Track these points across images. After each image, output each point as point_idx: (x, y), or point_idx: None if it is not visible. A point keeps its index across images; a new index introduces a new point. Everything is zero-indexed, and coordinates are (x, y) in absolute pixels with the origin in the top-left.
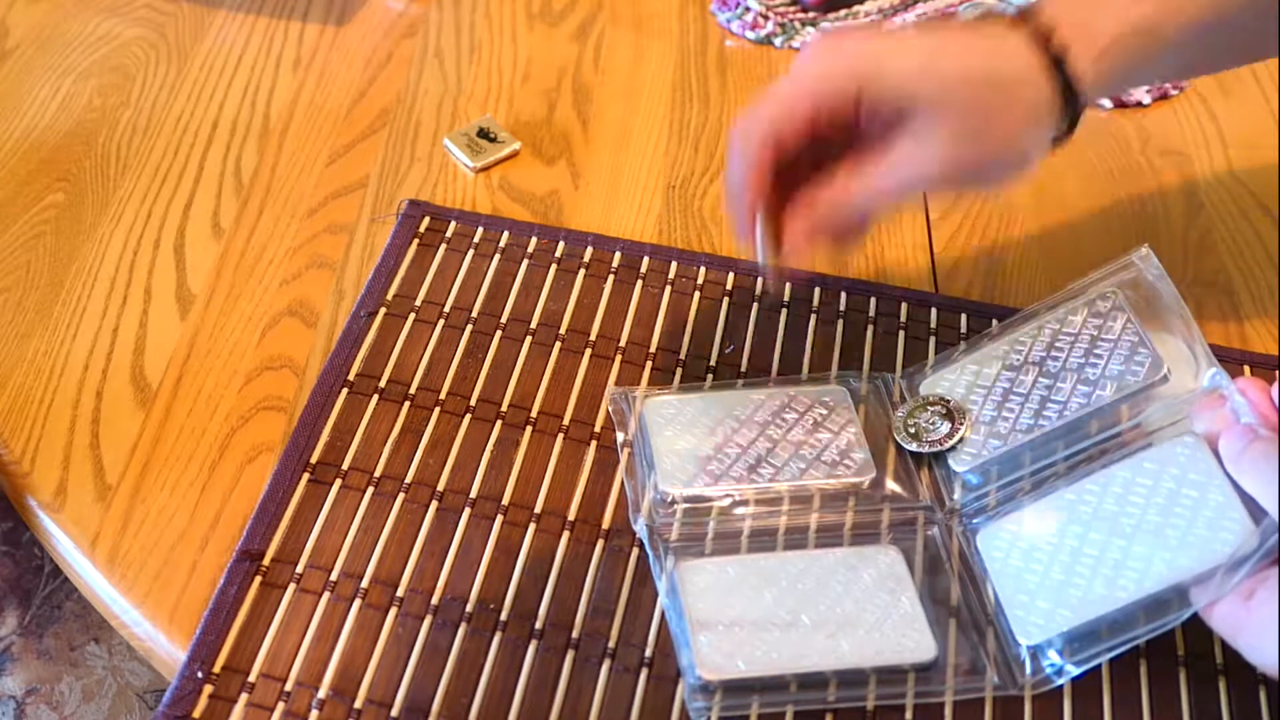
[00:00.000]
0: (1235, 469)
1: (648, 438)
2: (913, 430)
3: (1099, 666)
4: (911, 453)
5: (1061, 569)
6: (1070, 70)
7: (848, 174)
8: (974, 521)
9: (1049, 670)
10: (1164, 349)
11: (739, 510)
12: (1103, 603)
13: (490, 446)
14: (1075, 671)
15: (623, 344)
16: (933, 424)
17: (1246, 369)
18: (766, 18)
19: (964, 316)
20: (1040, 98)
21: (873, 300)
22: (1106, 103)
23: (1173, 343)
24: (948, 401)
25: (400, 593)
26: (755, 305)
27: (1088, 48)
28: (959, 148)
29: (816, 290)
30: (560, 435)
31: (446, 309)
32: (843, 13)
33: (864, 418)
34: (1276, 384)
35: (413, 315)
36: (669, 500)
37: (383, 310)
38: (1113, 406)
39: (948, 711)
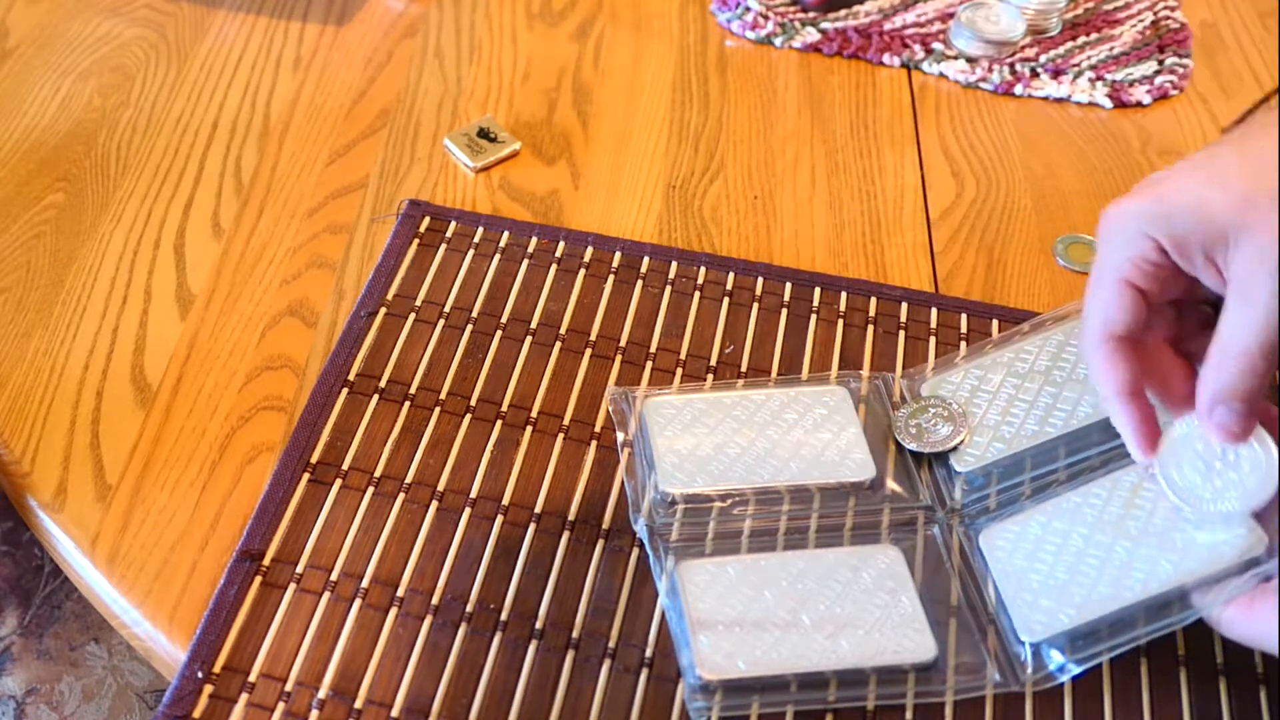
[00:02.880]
0: (1248, 621)
1: (648, 437)
2: (914, 431)
3: (1100, 665)
4: (912, 453)
5: (1065, 569)
6: None
7: (1213, 344)
8: (975, 522)
9: (1051, 668)
10: None
11: (739, 510)
12: (1106, 603)
13: (490, 446)
14: (1076, 670)
15: (623, 344)
16: (934, 425)
17: None
18: (766, 18)
19: (964, 317)
20: None
21: (873, 300)
22: (1107, 102)
23: None
24: (950, 404)
25: (400, 593)
26: (755, 305)
27: None
28: None
29: (816, 290)
30: (560, 435)
31: (447, 309)
32: (843, 12)
33: (864, 418)
34: (1277, 385)
35: (413, 315)
36: (669, 500)
37: (383, 310)
38: None
39: (948, 711)
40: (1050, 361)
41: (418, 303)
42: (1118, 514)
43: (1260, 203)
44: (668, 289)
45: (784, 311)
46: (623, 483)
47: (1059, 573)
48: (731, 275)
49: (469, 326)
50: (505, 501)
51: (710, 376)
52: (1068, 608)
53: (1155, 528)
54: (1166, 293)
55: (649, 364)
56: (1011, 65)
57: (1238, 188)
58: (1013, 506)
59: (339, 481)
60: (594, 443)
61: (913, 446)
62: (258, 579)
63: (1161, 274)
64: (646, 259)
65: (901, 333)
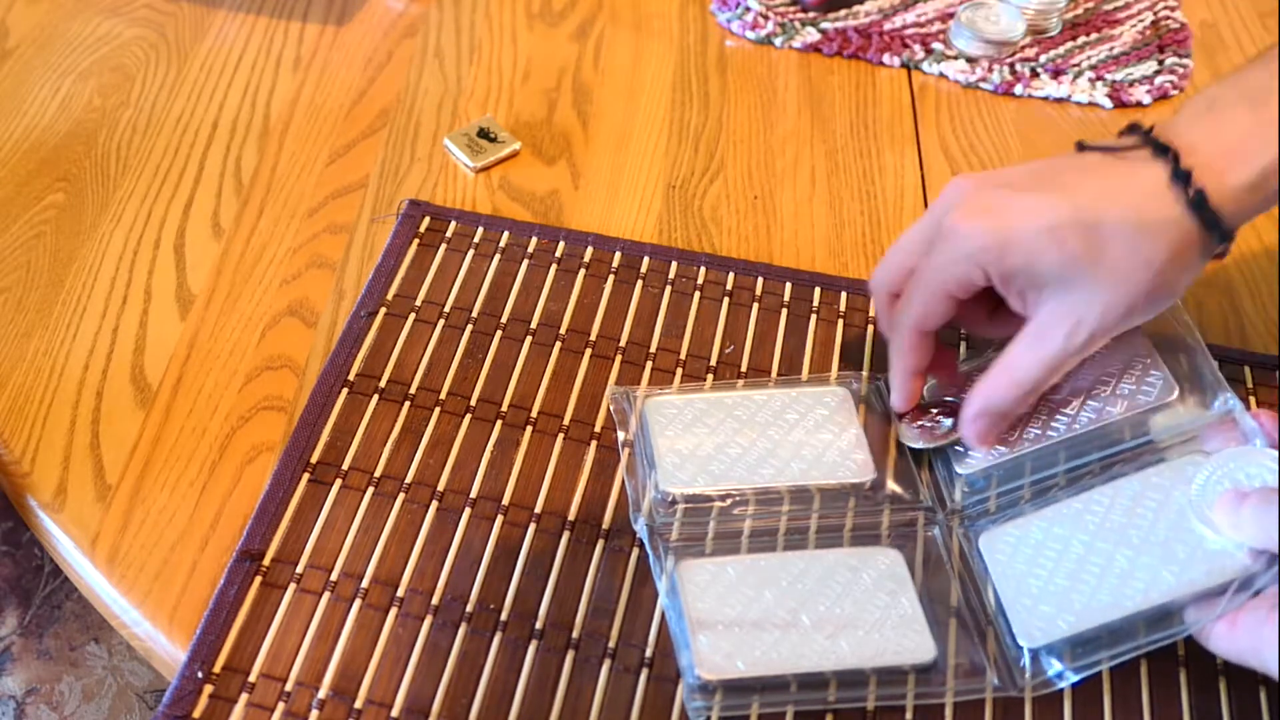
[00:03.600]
0: (1235, 526)
1: (649, 437)
2: (916, 429)
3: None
4: (913, 452)
5: (1066, 575)
6: (1213, 207)
7: (998, 364)
8: (975, 524)
9: (1050, 674)
10: (1176, 372)
11: (739, 510)
12: (1107, 611)
13: (490, 446)
14: (1075, 678)
15: (623, 344)
16: (936, 422)
17: (1246, 369)
18: (766, 18)
19: None
20: (1185, 239)
21: (873, 300)
22: (1107, 102)
23: (1185, 367)
24: (951, 401)
25: (400, 593)
26: (755, 305)
27: (1230, 179)
28: (1090, 308)
29: (816, 290)
30: (560, 435)
31: (447, 309)
32: (843, 12)
33: (865, 418)
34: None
35: (413, 315)
36: (670, 500)
37: (383, 310)
38: (1122, 423)
39: (948, 712)
40: None
41: (418, 303)
42: (1120, 522)
43: (1083, 266)
44: (668, 289)
45: (784, 311)
46: (623, 482)
47: (1059, 579)
48: (731, 275)
49: (469, 326)
50: (505, 501)
51: (710, 376)
52: (1067, 614)
53: (1158, 538)
54: (974, 301)
55: (649, 364)
56: (1011, 65)
57: (1070, 247)
58: (1013, 510)
59: (339, 481)
60: (594, 443)
61: (916, 445)
62: (258, 579)
63: (978, 290)
64: (646, 259)
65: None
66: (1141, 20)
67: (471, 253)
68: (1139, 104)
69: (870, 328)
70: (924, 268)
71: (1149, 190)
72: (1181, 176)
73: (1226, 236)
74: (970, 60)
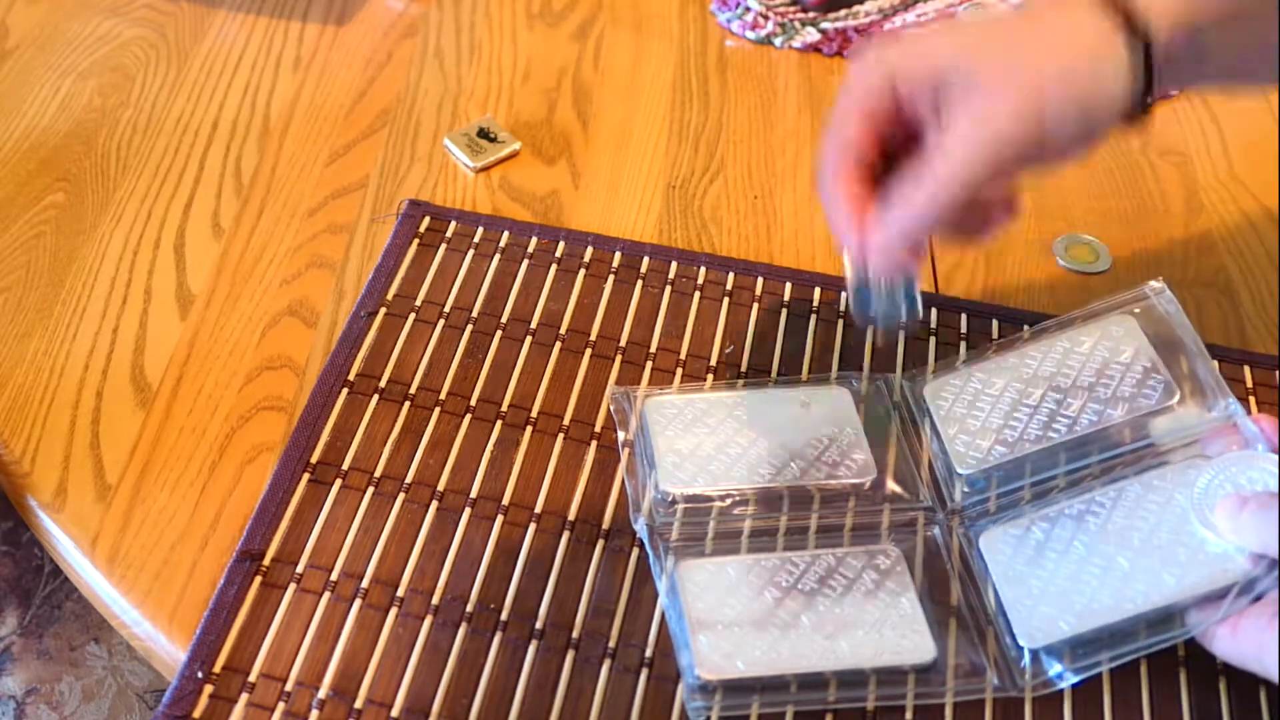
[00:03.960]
0: (1235, 530)
1: (649, 437)
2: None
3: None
4: (914, 452)
5: (1067, 576)
6: (1141, 26)
7: (901, 186)
8: (976, 524)
9: (1050, 674)
10: (1177, 375)
11: (739, 510)
12: (1108, 613)
13: (490, 446)
14: (1074, 679)
15: (623, 344)
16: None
17: (1246, 369)
18: (766, 18)
19: (964, 316)
20: (1101, 53)
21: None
22: None
23: (1186, 371)
24: None
25: (400, 593)
26: (755, 305)
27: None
28: (997, 124)
29: (816, 290)
30: (560, 435)
31: (447, 309)
32: (843, 12)
33: (865, 418)
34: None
35: (413, 315)
36: (670, 500)
37: (383, 310)
38: (1123, 426)
39: (948, 712)
40: (1055, 368)
41: (418, 303)
42: (1121, 525)
43: (990, 59)
44: (668, 289)
45: (784, 311)
46: (623, 482)
47: (1060, 580)
48: (731, 275)
49: (469, 326)
50: (505, 501)
51: (710, 376)
52: (1068, 615)
53: (1159, 541)
54: (884, 136)
55: (649, 364)
56: None
57: (978, 44)
58: (1013, 510)
59: (339, 481)
60: (594, 443)
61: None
62: (258, 579)
63: (889, 113)
64: (646, 259)
65: (901, 333)
66: None
67: (471, 253)
68: None
69: (870, 328)
70: (839, 105)
71: (1066, 12)
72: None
73: (1146, 43)
74: None
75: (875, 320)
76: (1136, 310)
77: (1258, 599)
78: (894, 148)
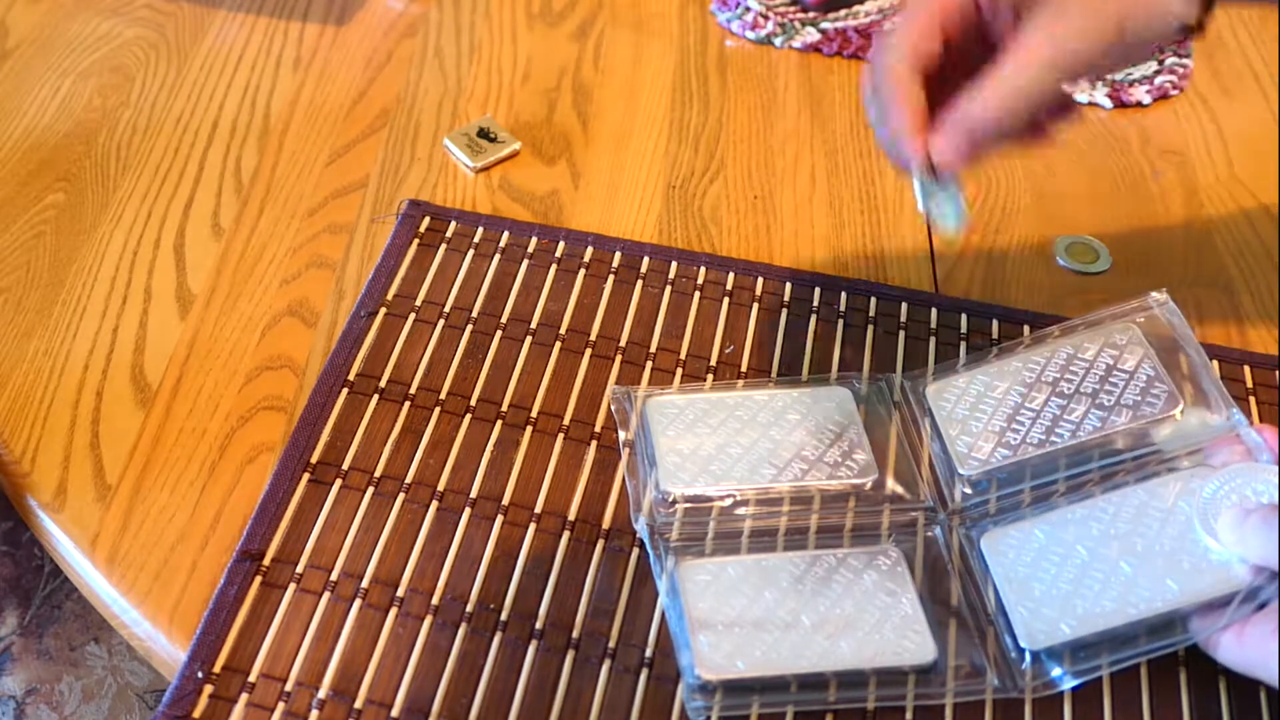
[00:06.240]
0: (1238, 541)
1: (650, 437)
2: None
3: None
4: (914, 451)
5: (1070, 580)
6: None
7: (974, 88)
8: (977, 525)
9: (1050, 676)
10: (1180, 384)
11: (740, 510)
12: (1110, 617)
13: (490, 446)
14: (1075, 682)
15: (623, 344)
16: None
17: (1246, 369)
18: (766, 18)
19: (964, 316)
20: None
21: (872, 300)
22: (1106, 102)
23: (1189, 381)
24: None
25: (400, 593)
26: (755, 305)
27: None
28: (1078, 32)
29: (816, 290)
30: (560, 435)
31: (447, 309)
32: (843, 12)
33: (865, 419)
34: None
35: (413, 315)
36: (670, 500)
37: (383, 310)
38: (1126, 433)
39: (948, 713)
40: (1058, 374)
41: (418, 303)
42: (1125, 530)
43: None
44: (668, 289)
45: (784, 311)
46: (623, 482)
47: (1063, 583)
48: (731, 275)
49: (469, 326)
50: (505, 501)
51: (710, 376)
52: (1070, 618)
53: (1163, 548)
54: (959, 46)
55: (649, 364)
56: None
57: None
58: (1014, 513)
59: (339, 481)
60: (594, 443)
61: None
62: (258, 579)
63: (965, 25)
64: (646, 259)
65: (901, 333)
66: None
67: (471, 253)
68: (1139, 104)
69: (870, 328)
70: (911, 3)
71: None
72: None
73: None
74: None
75: (948, 222)
76: (1140, 320)
77: (1260, 607)
78: (948, 64)
